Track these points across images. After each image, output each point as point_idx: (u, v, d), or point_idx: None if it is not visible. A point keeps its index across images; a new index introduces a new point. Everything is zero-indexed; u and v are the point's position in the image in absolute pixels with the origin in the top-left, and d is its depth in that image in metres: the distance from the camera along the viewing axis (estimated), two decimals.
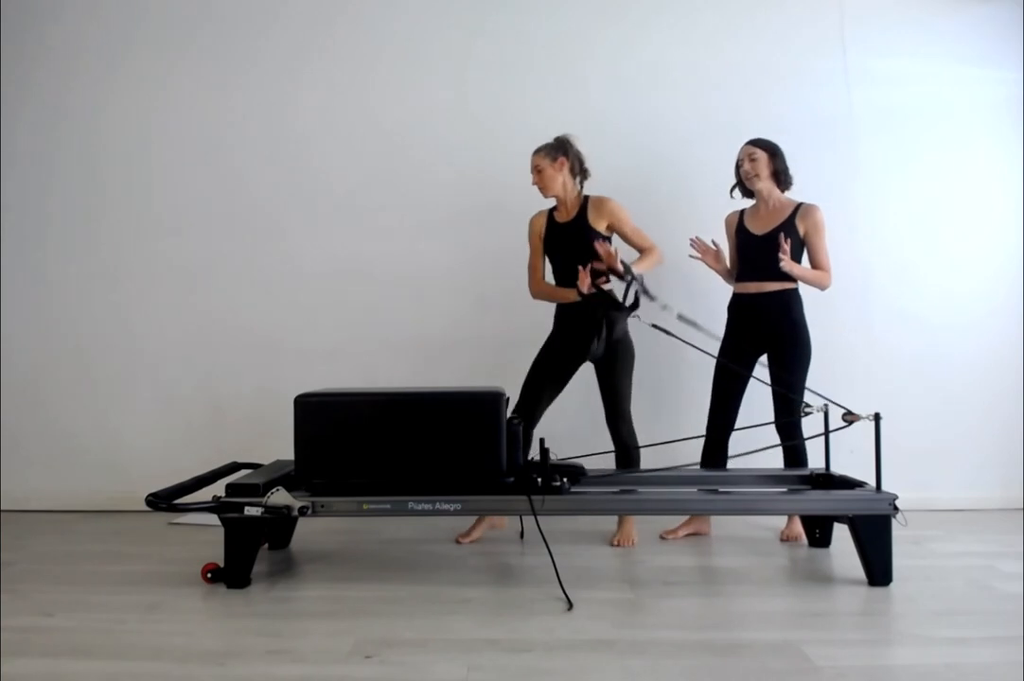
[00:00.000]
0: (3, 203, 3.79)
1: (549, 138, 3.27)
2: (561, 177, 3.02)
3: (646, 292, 2.75)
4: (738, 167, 3.10)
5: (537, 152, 3.04)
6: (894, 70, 3.68)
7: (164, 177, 3.77)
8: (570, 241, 3.01)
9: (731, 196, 3.18)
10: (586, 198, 3.05)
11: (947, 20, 3.68)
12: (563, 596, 2.29)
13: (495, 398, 2.55)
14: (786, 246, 2.89)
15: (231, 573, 2.45)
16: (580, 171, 3.06)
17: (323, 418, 2.56)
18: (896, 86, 3.68)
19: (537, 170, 3.02)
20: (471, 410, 2.55)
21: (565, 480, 2.55)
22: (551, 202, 3.12)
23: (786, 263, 2.90)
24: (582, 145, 3.06)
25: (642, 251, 3.00)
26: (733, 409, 3.09)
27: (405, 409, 2.57)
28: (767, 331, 3.03)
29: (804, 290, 3.07)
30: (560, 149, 3.03)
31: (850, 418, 2.56)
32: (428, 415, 2.55)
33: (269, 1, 3.77)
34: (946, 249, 3.67)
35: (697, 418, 3.17)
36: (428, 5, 3.74)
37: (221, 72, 3.77)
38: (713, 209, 3.39)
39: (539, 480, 2.52)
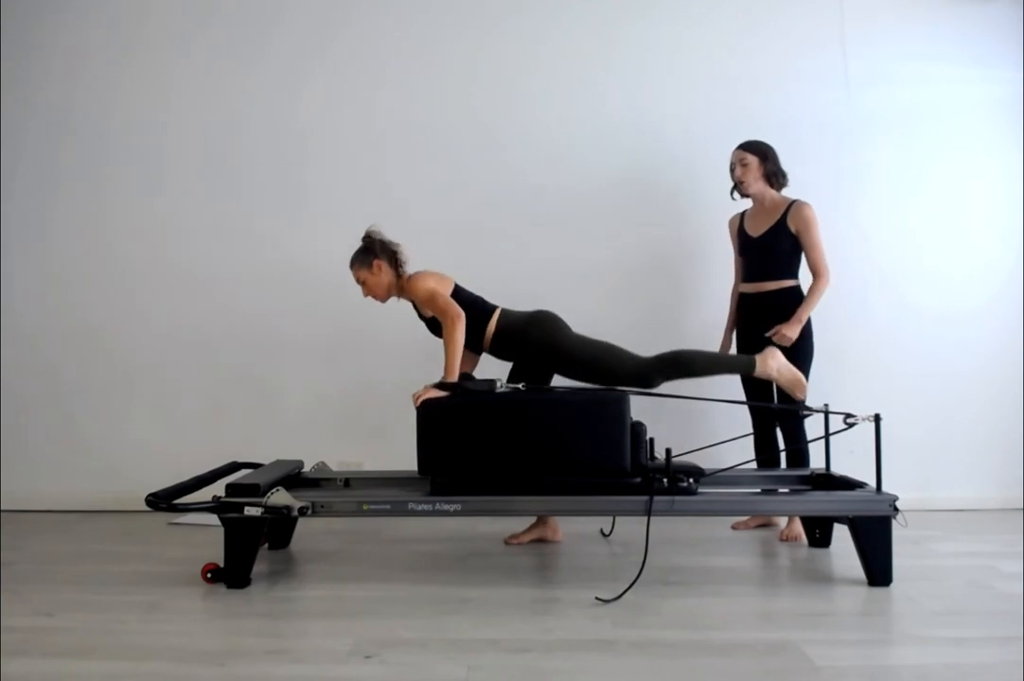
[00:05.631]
0: (7, 204, 3.79)
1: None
2: (386, 278, 2.85)
3: (476, 385, 2.62)
4: (732, 171, 3.14)
5: (352, 267, 2.86)
6: (894, 70, 3.68)
7: (166, 178, 3.77)
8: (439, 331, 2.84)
9: (732, 198, 3.22)
10: (409, 278, 2.84)
11: (947, 20, 3.68)
12: (606, 596, 2.29)
13: (619, 399, 2.54)
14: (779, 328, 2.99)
15: (231, 573, 2.45)
16: (395, 261, 2.88)
17: (447, 420, 2.55)
18: (896, 86, 3.68)
19: (362, 283, 2.87)
20: (596, 411, 2.52)
21: (692, 480, 2.50)
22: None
23: (780, 337, 2.97)
24: (385, 230, 2.90)
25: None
26: (768, 400, 3.12)
27: (529, 411, 2.55)
28: (769, 329, 3.05)
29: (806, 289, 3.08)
30: (369, 253, 2.85)
31: (851, 421, 2.56)
32: (552, 417, 2.53)
33: (273, 6, 3.76)
34: (946, 251, 3.66)
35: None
36: (434, 9, 3.74)
37: (225, 75, 3.77)
38: (715, 207, 3.40)
39: (665, 481, 2.47)
